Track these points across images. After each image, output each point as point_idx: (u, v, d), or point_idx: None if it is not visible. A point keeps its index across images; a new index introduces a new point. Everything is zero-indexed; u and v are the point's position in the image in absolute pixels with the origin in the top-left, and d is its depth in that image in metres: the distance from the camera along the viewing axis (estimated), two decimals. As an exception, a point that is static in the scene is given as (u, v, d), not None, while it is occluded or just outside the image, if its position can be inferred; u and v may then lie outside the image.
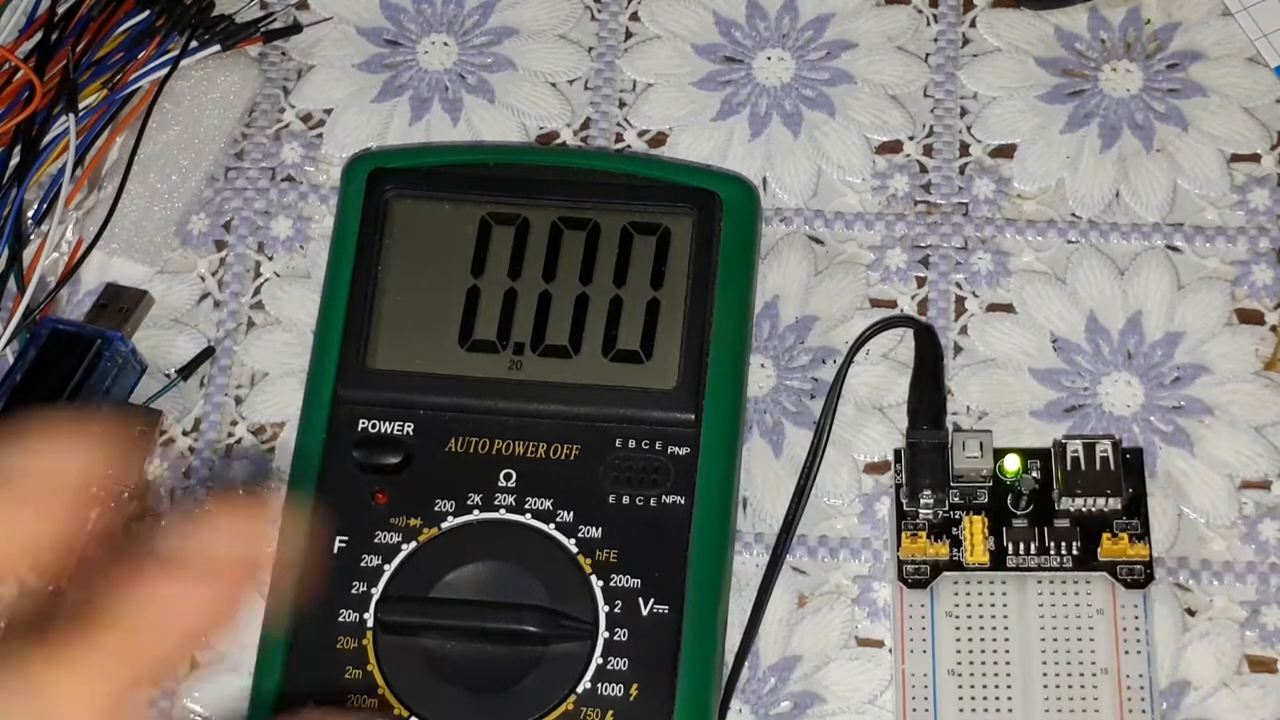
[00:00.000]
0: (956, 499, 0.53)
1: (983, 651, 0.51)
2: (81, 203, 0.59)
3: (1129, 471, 0.53)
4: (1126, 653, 0.51)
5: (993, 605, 0.52)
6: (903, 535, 0.52)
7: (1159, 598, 0.52)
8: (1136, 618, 0.51)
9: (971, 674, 0.51)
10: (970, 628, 0.51)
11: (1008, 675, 0.51)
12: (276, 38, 0.61)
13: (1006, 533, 0.52)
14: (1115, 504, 0.52)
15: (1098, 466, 0.52)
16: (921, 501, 0.52)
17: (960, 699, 0.51)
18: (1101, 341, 0.56)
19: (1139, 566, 0.52)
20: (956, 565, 0.52)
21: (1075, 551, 0.52)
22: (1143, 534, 0.52)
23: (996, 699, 0.51)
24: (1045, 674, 0.51)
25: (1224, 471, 0.54)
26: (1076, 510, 0.52)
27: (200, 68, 0.60)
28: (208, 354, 0.57)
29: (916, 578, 0.52)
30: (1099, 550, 0.52)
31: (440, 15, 0.62)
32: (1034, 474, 0.53)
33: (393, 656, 0.50)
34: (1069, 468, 0.52)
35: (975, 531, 0.52)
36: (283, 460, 0.55)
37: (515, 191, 0.55)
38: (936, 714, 0.50)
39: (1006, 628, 0.51)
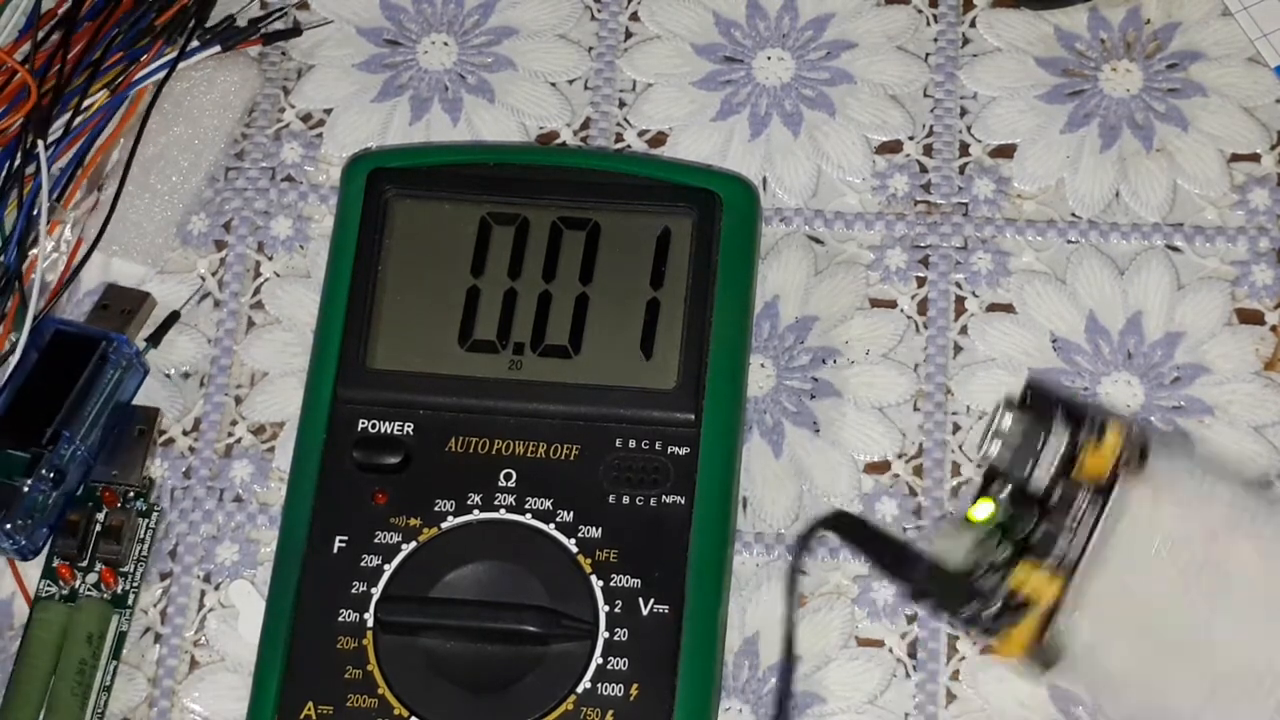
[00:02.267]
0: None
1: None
2: (80, 203, 0.59)
3: (1129, 471, 0.53)
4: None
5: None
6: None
7: (1159, 597, 0.52)
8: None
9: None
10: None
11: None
12: (277, 39, 0.61)
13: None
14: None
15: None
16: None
17: None
18: (1101, 341, 0.56)
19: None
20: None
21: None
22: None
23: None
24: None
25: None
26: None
27: (200, 68, 0.60)
28: (173, 319, 0.57)
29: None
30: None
31: (440, 15, 0.62)
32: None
33: (393, 656, 0.50)
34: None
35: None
36: (283, 460, 0.55)
37: (515, 191, 0.55)
38: None
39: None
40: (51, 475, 0.53)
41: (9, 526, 0.52)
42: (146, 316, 0.57)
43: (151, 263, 0.58)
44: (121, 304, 0.57)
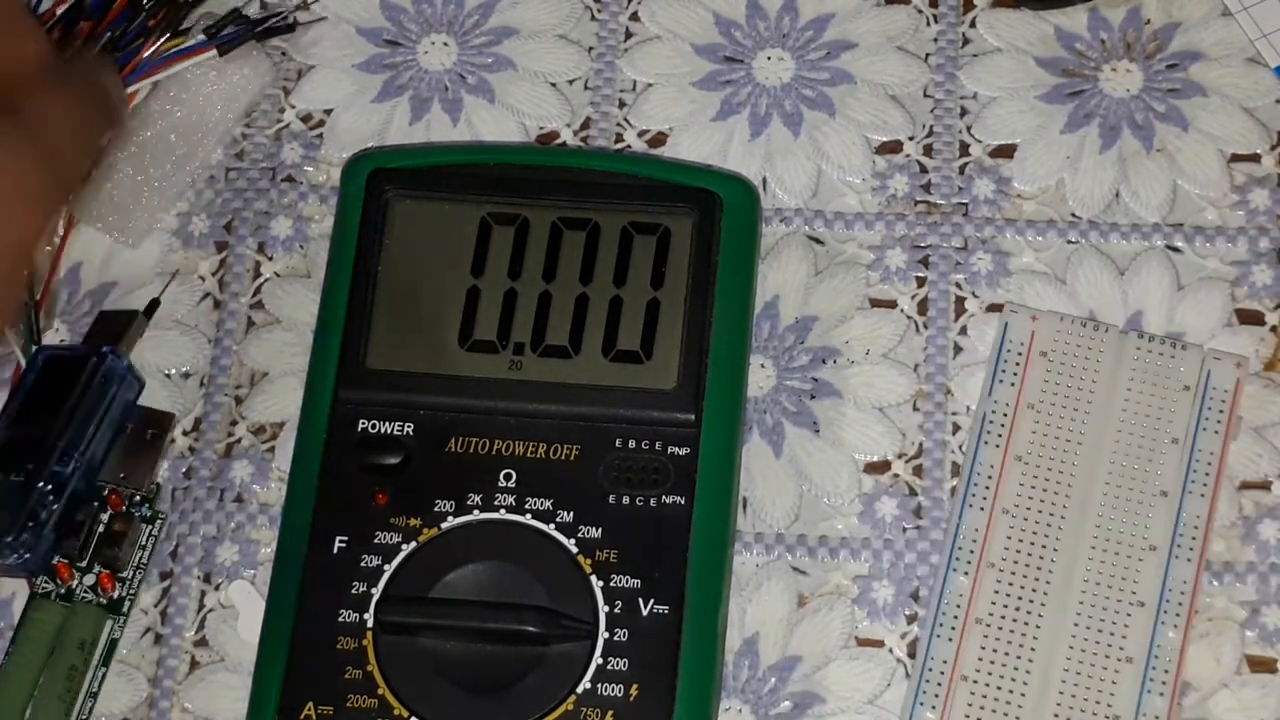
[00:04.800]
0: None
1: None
2: (72, 196, 0.59)
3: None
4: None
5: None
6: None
7: (1159, 598, 0.53)
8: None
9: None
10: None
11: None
12: (272, 36, 0.61)
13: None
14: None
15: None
16: None
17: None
18: (1101, 341, 0.56)
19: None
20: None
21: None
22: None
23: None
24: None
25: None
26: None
27: (209, 58, 0.60)
28: (154, 305, 0.57)
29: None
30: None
31: (440, 15, 0.62)
32: None
33: (393, 656, 0.50)
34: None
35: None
36: (283, 460, 0.55)
37: (515, 191, 0.55)
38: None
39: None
40: (50, 491, 0.53)
41: (11, 539, 0.52)
42: (138, 334, 0.57)
43: (134, 244, 0.58)
44: (112, 328, 0.57)
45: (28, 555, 0.52)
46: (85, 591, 0.53)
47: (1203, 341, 0.56)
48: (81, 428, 0.53)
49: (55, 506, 0.53)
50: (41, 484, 0.52)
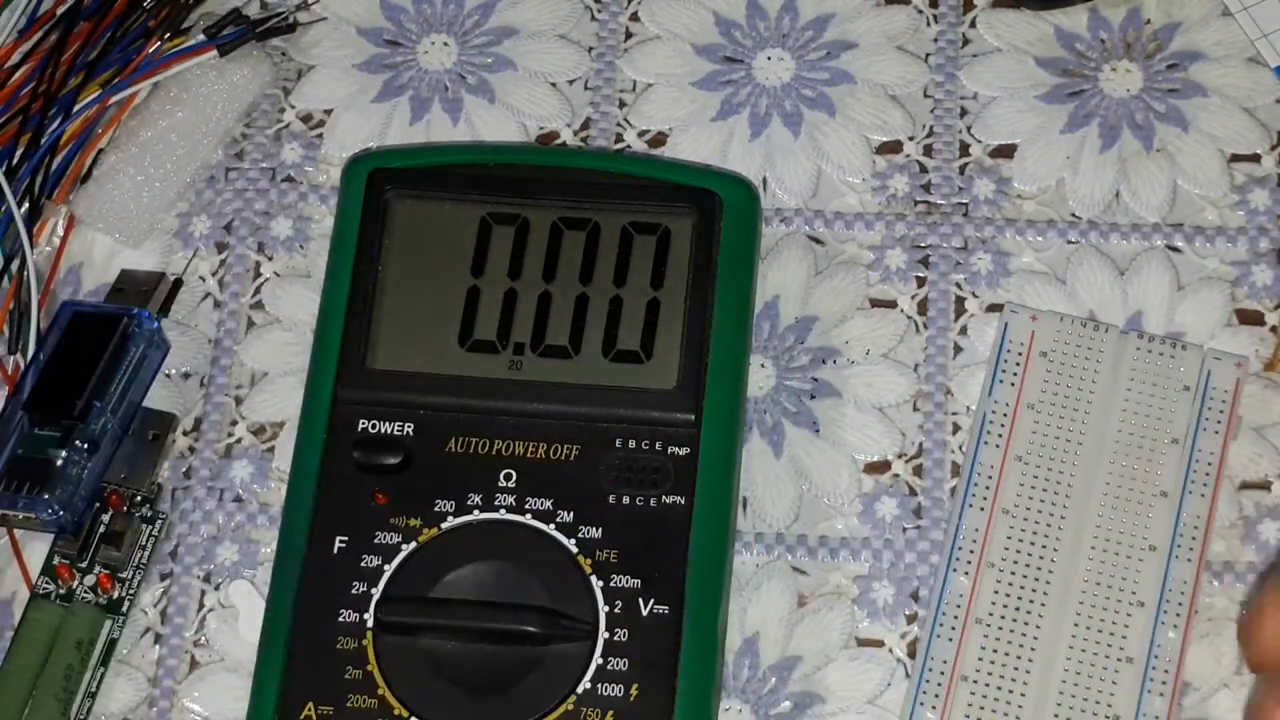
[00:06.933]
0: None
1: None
2: (73, 198, 0.59)
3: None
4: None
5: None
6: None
7: (1159, 598, 0.53)
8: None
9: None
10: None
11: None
12: (272, 36, 0.61)
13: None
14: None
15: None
16: None
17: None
18: (1101, 341, 0.56)
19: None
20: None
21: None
22: (1143, 534, 0.52)
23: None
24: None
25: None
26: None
27: (210, 57, 0.60)
28: (178, 285, 0.57)
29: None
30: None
31: (440, 15, 0.62)
32: None
33: (393, 656, 0.50)
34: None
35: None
36: (283, 460, 0.55)
37: (515, 191, 0.55)
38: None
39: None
40: (85, 446, 0.53)
41: (46, 496, 0.52)
42: (165, 293, 0.57)
43: (135, 244, 0.58)
44: (137, 285, 0.57)
45: (63, 512, 0.53)
46: (85, 592, 0.53)
47: (1203, 341, 0.56)
48: (114, 386, 0.54)
49: (89, 464, 0.53)
50: (78, 440, 0.53)
